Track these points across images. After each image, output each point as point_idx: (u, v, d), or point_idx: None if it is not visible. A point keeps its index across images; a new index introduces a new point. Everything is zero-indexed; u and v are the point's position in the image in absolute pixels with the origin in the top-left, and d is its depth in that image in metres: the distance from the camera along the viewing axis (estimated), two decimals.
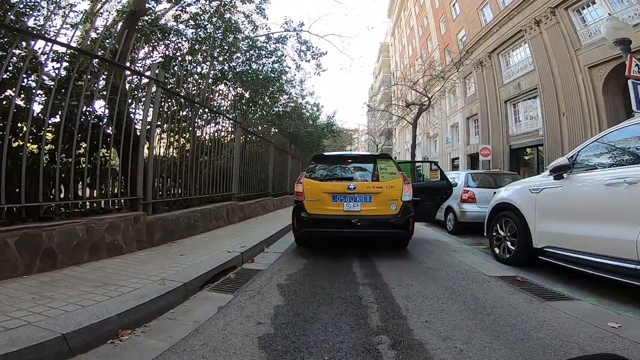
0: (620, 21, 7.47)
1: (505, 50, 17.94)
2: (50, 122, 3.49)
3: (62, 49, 3.52)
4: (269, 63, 11.25)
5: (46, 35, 3.22)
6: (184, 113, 5.80)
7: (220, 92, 7.86)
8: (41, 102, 3.75)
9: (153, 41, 8.09)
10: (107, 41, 4.18)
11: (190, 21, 8.73)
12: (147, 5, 6.95)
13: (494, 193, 5.25)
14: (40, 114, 3.55)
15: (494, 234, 4.67)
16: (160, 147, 5.02)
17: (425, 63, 21.28)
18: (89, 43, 3.88)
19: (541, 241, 3.79)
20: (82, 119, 3.55)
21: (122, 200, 4.11)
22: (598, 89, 12.25)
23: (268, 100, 11.70)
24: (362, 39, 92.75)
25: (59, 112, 3.43)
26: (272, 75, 11.10)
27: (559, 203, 3.68)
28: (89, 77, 3.73)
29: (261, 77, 10.41)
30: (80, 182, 3.69)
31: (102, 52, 3.80)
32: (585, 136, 11.86)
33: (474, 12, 20.11)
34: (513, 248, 4.25)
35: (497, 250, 4.57)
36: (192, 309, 2.56)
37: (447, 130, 26.32)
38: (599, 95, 12.21)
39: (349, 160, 5.21)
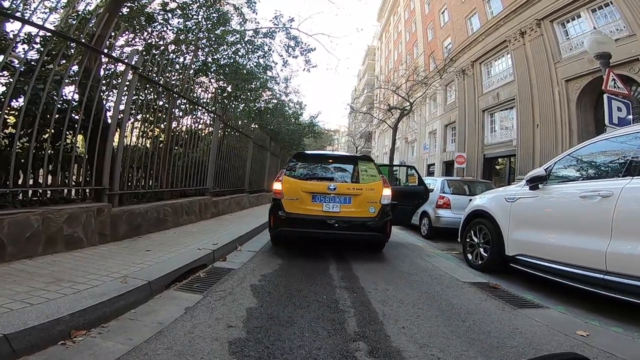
0: (604, 35, 7.50)
1: (488, 59, 18.35)
2: (13, 105, 3.21)
3: (35, 30, 3.25)
4: (255, 58, 11.01)
5: (18, 15, 2.96)
6: (161, 103, 5.53)
7: (202, 83, 7.60)
8: (4, 83, 3.47)
9: (136, 28, 7.70)
10: (87, 25, 3.93)
11: (177, 10, 8.37)
12: None
13: (470, 200, 5.32)
14: (1, 97, 3.27)
15: (468, 240, 4.73)
16: (132, 136, 4.76)
17: (409, 68, 21.60)
18: (63, 27, 3.63)
19: (514, 249, 3.86)
20: (47, 103, 3.30)
21: (87, 190, 3.84)
22: (572, 102, 12.59)
23: (250, 95, 11.44)
24: (351, 41, 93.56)
25: (23, 95, 3.17)
26: (257, 70, 10.86)
27: (533, 213, 3.76)
28: (63, 61, 3.47)
29: (244, 71, 10.17)
30: (41, 169, 3.42)
31: (76, 32, 3.55)
32: (557, 148, 12.20)
33: (462, 21, 20.46)
34: (486, 255, 4.31)
35: (470, 257, 4.63)
36: (157, 310, 2.39)
37: (426, 137, 26.86)
38: (573, 108, 12.56)
39: (331, 161, 5.14)
